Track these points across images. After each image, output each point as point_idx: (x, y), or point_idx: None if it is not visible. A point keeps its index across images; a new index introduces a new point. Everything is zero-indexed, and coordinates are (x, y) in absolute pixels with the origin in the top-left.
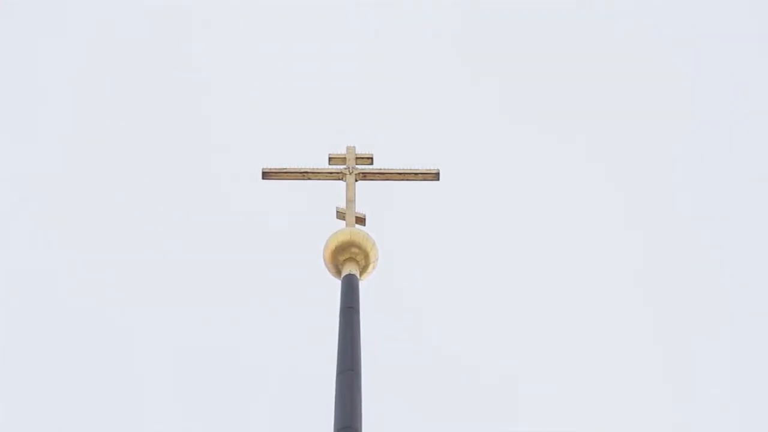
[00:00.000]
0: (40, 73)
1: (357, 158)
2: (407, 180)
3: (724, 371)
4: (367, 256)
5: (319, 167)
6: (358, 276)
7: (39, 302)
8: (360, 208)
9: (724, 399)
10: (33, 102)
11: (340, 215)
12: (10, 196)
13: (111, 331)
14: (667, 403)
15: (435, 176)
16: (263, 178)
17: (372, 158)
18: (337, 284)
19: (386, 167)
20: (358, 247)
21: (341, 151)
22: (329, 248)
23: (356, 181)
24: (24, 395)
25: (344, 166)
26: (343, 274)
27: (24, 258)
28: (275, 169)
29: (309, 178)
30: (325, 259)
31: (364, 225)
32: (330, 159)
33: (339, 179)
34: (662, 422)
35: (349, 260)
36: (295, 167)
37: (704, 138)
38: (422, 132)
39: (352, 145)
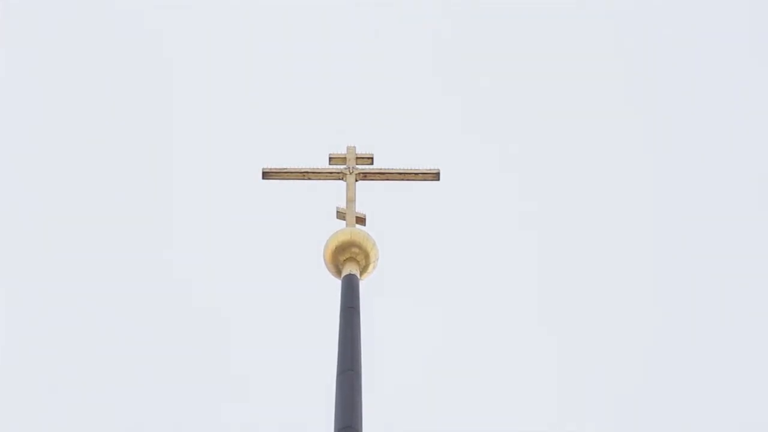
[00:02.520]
0: (37, 76)
1: (357, 158)
2: (407, 180)
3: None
4: (367, 256)
5: (320, 167)
6: (358, 276)
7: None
8: (360, 208)
9: None
10: (32, 104)
11: (341, 215)
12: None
13: (104, 335)
14: None
15: (435, 176)
16: (263, 178)
17: (372, 158)
18: (337, 284)
19: (386, 167)
20: (359, 247)
21: (341, 151)
22: (329, 248)
23: (356, 181)
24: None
25: (344, 166)
26: (344, 274)
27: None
28: (275, 169)
29: (309, 178)
30: (325, 259)
31: (364, 225)
32: (330, 159)
33: (339, 179)
34: None
35: (349, 260)
36: (295, 167)
37: (704, 137)
38: (422, 132)
39: (352, 145)
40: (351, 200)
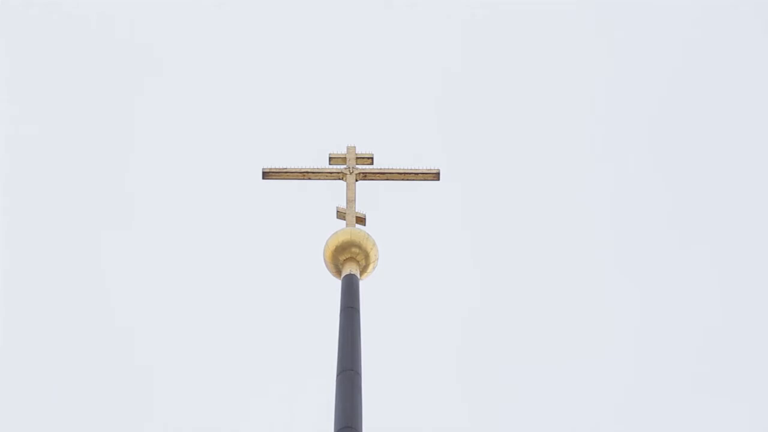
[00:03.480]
0: (37, 76)
1: (357, 158)
2: (407, 180)
3: None
4: (367, 256)
5: (320, 167)
6: (358, 276)
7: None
8: (360, 208)
9: None
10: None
11: (341, 215)
12: None
13: (104, 335)
14: None
15: (435, 176)
16: (263, 178)
17: (372, 158)
18: (337, 284)
19: (386, 167)
20: (359, 247)
21: (341, 150)
22: (329, 248)
23: (356, 181)
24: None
25: (344, 166)
26: (343, 274)
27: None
28: (275, 169)
29: (309, 178)
30: (325, 259)
31: (364, 225)
32: (330, 159)
33: (339, 179)
34: None
35: (349, 260)
36: (295, 167)
37: (704, 137)
38: (422, 132)
39: (352, 145)
40: (351, 200)
